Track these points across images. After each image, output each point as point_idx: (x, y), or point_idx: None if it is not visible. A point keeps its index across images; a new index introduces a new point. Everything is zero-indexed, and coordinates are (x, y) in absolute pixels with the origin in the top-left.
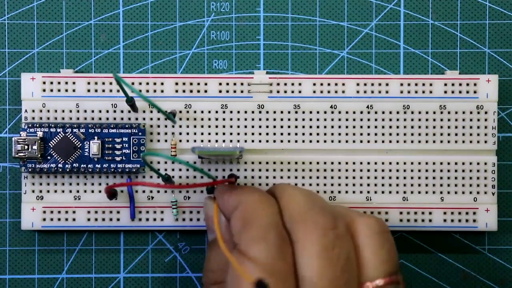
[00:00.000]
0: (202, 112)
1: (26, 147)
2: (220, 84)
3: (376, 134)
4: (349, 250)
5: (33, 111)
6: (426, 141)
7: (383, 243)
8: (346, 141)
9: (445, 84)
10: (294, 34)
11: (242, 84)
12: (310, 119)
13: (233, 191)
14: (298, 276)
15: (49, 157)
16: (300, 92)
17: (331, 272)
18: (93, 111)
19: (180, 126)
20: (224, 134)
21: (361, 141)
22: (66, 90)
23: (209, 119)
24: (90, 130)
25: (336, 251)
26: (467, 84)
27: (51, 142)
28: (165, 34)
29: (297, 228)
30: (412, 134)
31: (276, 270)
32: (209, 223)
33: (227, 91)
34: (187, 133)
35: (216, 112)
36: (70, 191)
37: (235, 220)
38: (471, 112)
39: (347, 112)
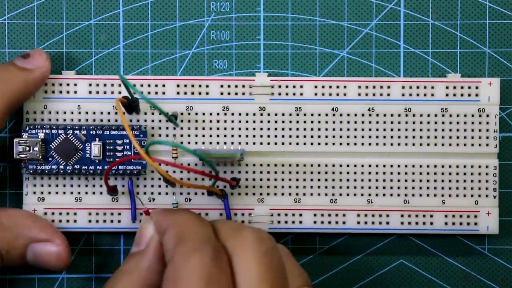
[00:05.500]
0: (203, 114)
1: (27, 148)
2: (222, 86)
3: (377, 137)
4: (282, 261)
5: (35, 112)
6: (428, 144)
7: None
8: (347, 144)
9: (447, 87)
10: (294, 34)
11: (243, 86)
12: (312, 122)
13: (168, 211)
14: (237, 285)
15: (50, 159)
16: (301, 94)
17: (270, 276)
18: (94, 113)
19: (182, 128)
20: (225, 136)
21: (362, 144)
22: (68, 92)
23: (211, 121)
24: (91, 132)
25: (275, 256)
26: (469, 87)
27: (52, 143)
28: (165, 34)
29: (233, 238)
30: (413, 137)
31: (214, 280)
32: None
33: (229, 93)
34: (188, 135)
35: (218, 114)
36: (71, 193)
37: (169, 236)
38: (472, 115)
39: (348, 115)
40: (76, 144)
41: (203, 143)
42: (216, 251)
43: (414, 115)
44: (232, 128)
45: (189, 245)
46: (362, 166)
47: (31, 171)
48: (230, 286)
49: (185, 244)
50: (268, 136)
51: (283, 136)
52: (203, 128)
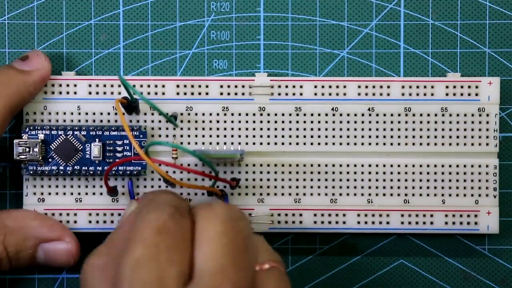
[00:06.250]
0: (203, 114)
1: (27, 149)
2: (221, 86)
3: (377, 137)
4: (249, 231)
5: (34, 113)
6: (428, 144)
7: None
8: (347, 144)
9: (447, 87)
10: (294, 34)
11: (243, 86)
12: (311, 122)
13: (150, 192)
14: (194, 241)
15: (50, 160)
16: (301, 94)
17: (230, 236)
18: (94, 114)
19: (181, 129)
20: (225, 136)
21: (362, 144)
22: (68, 93)
23: (210, 122)
24: (91, 133)
25: (240, 223)
26: (469, 87)
27: (52, 144)
28: (165, 34)
29: (202, 209)
30: (413, 137)
31: (166, 230)
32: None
33: (228, 94)
34: (188, 136)
35: (217, 114)
36: (72, 194)
37: (142, 200)
38: (472, 115)
39: (348, 115)
40: (76, 145)
41: (203, 143)
42: (178, 212)
43: (414, 115)
44: (232, 128)
45: (153, 205)
46: (362, 166)
47: (31, 172)
48: (185, 241)
49: (151, 204)
50: (268, 136)
51: (283, 136)
52: (203, 129)
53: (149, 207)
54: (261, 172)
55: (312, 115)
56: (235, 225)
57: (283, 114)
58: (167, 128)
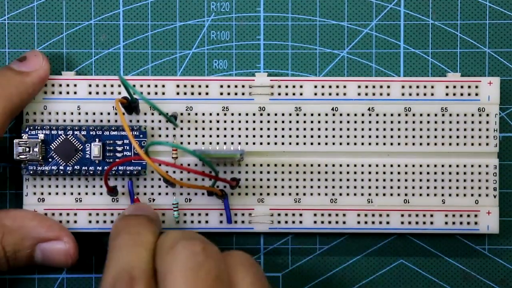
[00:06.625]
0: (203, 114)
1: (27, 149)
2: (221, 86)
3: (377, 137)
4: (223, 271)
5: (34, 113)
6: (428, 144)
7: (260, 276)
8: (347, 144)
9: (447, 87)
10: (294, 34)
11: (243, 86)
12: (311, 122)
13: (125, 221)
14: None
15: (50, 160)
16: (301, 94)
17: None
18: (94, 114)
19: (181, 129)
20: (225, 136)
21: (362, 144)
22: (68, 93)
23: (210, 122)
24: (91, 133)
25: (205, 268)
26: (469, 87)
27: (52, 144)
28: (165, 34)
29: (165, 259)
30: (413, 137)
31: None
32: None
33: (228, 94)
34: (188, 136)
35: (217, 114)
36: (72, 194)
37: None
38: (472, 115)
39: (348, 115)
40: (76, 145)
41: (203, 143)
42: (130, 283)
43: (414, 115)
44: (232, 128)
45: (106, 280)
46: (362, 166)
47: (31, 172)
48: None
49: (105, 277)
50: (268, 136)
51: (283, 136)
52: (203, 128)
53: (106, 284)
54: (261, 172)
55: (312, 115)
56: (201, 274)
57: (283, 114)
58: (167, 128)
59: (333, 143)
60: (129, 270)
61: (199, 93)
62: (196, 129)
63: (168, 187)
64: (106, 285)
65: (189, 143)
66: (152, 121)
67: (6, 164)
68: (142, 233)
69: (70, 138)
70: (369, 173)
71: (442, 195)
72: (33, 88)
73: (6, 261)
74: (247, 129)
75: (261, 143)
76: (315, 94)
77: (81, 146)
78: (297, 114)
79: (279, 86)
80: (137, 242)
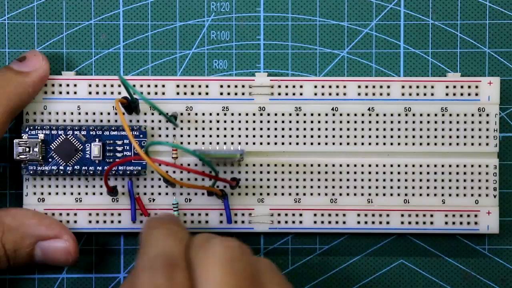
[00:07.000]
0: (203, 114)
1: (27, 149)
2: (221, 86)
3: (377, 137)
4: (255, 269)
5: (34, 113)
6: (428, 144)
7: (285, 282)
8: (347, 144)
9: (447, 87)
10: (294, 34)
11: (243, 86)
12: (311, 122)
13: (153, 222)
14: None
15: (50, 160)
16: (301, 94)
17: (233, 281)
18: (94, 113)
19: (181, 129)
20: (225, 136)
21: (362, 144)
22: (68, 93)
23: (210, 122)
24: (91, 133)
25: (242, 263)
26: (469, 87)
27: (52, 144)
28: (165, 34)
29: (200, 251)
30: (413, 137)
31: None
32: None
33: (228, 94)
34: (188, 136)
35: (217, 114)
36: (72, 194)
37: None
38: (472, 115)
39: (348, 115)
40: (76, 145)
41: (203, 143)
42: (171, 266)
43: (414, 115)
44: (232, 128)
45: (144, 261)
46: (362, 166)
47: (31, 172)
48: None
49: (142, 259)
50: (268, 136)
51: (283, 136)
52: (203, 128)
53: (142, 262)
54: (261, 172)
55: (312, 115)
56: (237, 266)
57: (283, 114)
58: (167, 128)
59: (333, 143)
60: (169, 254)
61: (199, 93)
62: (196, 129)
63: (168, 187)
64: (142, 267)
65: (189, 143)
66: (152, 121)
67: (6, 164)
68: (177, 229)
69: (70, 138)
70: (369, 173)
71: (442, 195)
72: (33, 88)
73: (6, 259)
74: (247, 129)
75: (261, 143)
76: (315, 94)
77: (81, 146)
78: (297, 114)
79: (279, 86)
80: (173, 234)
